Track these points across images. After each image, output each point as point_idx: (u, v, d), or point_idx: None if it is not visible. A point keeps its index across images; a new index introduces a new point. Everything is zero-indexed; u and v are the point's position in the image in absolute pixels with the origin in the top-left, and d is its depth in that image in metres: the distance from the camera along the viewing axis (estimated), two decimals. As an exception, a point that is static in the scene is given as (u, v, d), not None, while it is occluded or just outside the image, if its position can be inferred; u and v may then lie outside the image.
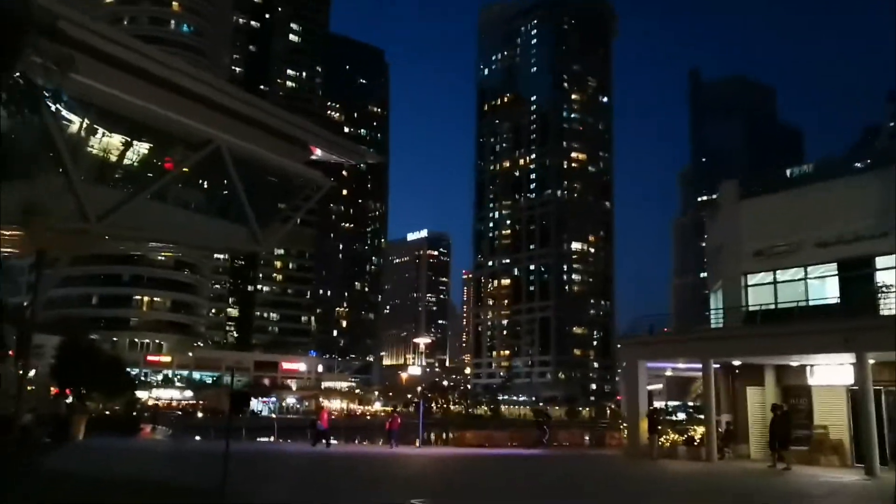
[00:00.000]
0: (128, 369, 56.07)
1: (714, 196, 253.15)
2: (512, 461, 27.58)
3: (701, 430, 25.96)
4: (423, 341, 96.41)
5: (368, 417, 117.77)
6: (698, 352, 25.81)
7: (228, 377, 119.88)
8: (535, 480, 20.43)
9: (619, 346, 40.85)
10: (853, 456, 24.16)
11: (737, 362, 26.30)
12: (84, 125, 37.33)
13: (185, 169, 41.87)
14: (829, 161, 33.03)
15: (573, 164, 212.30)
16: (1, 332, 31.09)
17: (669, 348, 27.58)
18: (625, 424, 29.08)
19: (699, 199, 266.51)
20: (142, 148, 39.45)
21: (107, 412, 36.33)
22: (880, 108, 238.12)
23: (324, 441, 33.71)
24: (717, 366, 26.51)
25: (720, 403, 27.67)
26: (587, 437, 39.49)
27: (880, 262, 24.00)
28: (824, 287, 25.98)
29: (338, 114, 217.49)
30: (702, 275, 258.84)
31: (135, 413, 42.23)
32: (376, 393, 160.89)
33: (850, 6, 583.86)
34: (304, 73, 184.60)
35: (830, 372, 24.97)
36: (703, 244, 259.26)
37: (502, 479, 20.98)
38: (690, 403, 36.00)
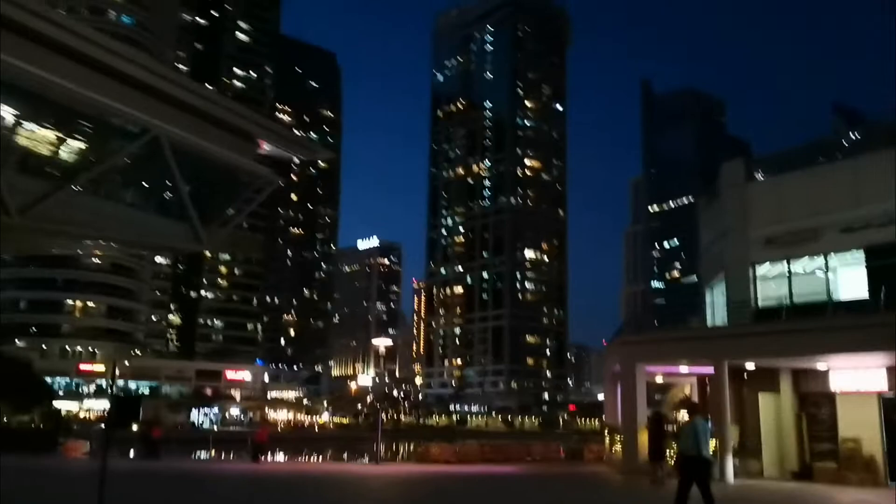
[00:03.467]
0: (46, 378, 50.72)
1: (665, 205, 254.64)
2: (498, 482, 23.75)
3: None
4: (382, 343, 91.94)
5: (316, 430, 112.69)
6: (710, 352, 22.36)
7: (168, 387, 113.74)
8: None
9: (605, 347, 37.34)
10: (887, 473, 21.02)
11: (750, 365, 22.95)
12: (5, 109, 33.07)
13: (119, 160, 37.85)
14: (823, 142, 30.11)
15: (527, 172, 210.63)
16: None
17: (673, 348, 24.06)
18: (618, 437, 25.43)
19: (649, 208, 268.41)
20: (73, 139, 35.27)
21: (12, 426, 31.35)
22: (826, 120, 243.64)
23: (260, 456, 30.34)
24: (712, 370, 23.17)
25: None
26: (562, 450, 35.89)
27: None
28: (848, 277, 22.89)
29: (288, 117, 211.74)
30: (654, 283, 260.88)
31: (53, 427, 36.96)
32: (325, 403, 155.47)
33: (799, 20, 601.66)
34: (253, 74, 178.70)
35: (858, 377, 21.86)
36: (655, 252, 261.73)
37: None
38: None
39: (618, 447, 25.60)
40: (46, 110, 35.02)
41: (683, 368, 24.77)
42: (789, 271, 24.03)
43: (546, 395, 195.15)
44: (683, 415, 29.90)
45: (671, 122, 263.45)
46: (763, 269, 24.97)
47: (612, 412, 27.55)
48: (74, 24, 35.83)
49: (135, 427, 32.94)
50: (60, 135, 35.57)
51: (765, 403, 23.72)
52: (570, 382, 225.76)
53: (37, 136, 34.93)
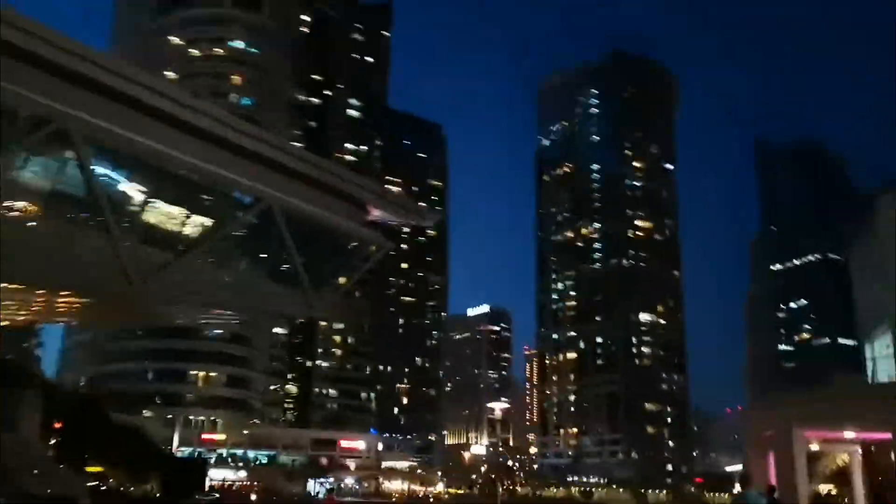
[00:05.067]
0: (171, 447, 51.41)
1: (789, 264, 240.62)
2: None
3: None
4: (497, 406, 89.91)
5: (431, 500, 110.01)
6: (892, 413, 19.13)
7: (285, 456, 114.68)
8: None
9: (749, 410, 33.92)
10: None
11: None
12: (128, 183, 34.45)
13: (234, 230, 38.57)
14: None
15: (638, 233, 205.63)
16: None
17: (840, 410, 20.95)
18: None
19: (771, 267, 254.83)
20: (192, 212, 36.32)
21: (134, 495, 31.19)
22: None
23: None
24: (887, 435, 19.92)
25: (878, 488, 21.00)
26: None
27: None
28: None
29: (397, 187, 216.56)
30: (780, 346, 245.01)
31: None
32: (439, 473, 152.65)
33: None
34: (363, 147, 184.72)
35: None
36: (780, 314, 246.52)
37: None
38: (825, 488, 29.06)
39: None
40: (168, 185, 36.45)
41: (849, 434, 21.44)
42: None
43: (670, 466, 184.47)
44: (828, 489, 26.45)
45: (789, 177, 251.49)
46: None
47: (768, 485, 24.36)
48: (188, 98, 37.27)
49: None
50: (180, 209, 36.83)
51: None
52: (693, 453, 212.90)
53: (159, 210, 36.25)
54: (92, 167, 30.19)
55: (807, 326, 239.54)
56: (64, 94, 27.79)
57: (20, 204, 29.85)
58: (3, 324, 51.68)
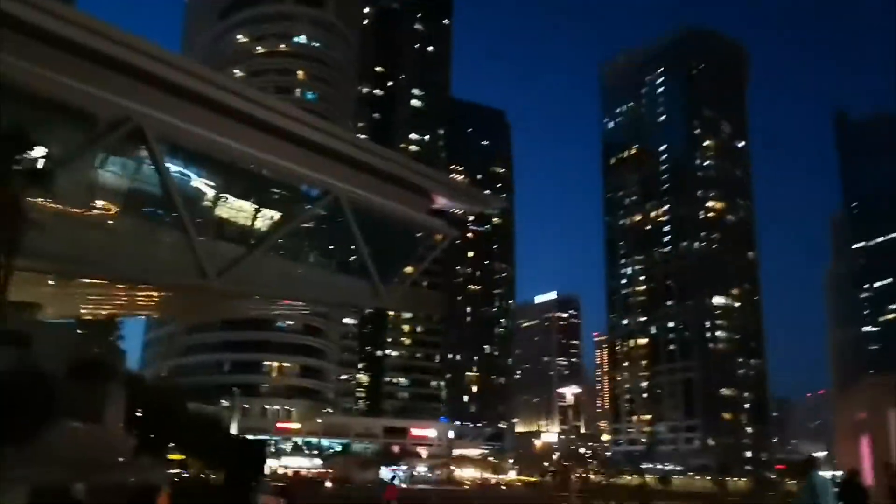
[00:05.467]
0: (248, 436, 52.54)
1: (872, 242, 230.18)
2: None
3: None
4: (569, 391, 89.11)
5: (504, 488, 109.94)
6: None
7: (357, 444, 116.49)
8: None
9: (841, 392, 32.50)
10: None
11: None
12: (200, 180, 35.28)
13: (304, 222, 39.04)
14: None
15: (710, 214, 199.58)
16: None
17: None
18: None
19: (854, 246, 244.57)
20: (261, 207, 36.95)
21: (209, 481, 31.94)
22: None
23: None
24: None
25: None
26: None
27: None
28: None
29: (462, 176, 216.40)
30: (865, 328, 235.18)
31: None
32: (510, 461, 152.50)
33: None
34: (427, 137, 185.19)
35: None
36: (864, 293, 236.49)
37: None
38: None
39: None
40: (238, 181, 37.09)
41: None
42: None
43: (748, 453, 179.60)
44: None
45: (872, 152, 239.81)
46: None
47: (849, 468, 23.27)
48: (246, 89, 37.76)
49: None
50: (251, 203, 37.49)
51: None
52: (773, 439, 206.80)
53: (230, 206, 36.98)
54: (166, 165, 31.13)
55: (891, 307, 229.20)
56: (139, 94, 28.64)
57: (100, 203, 30.99)
58: (87, 318, 53.90)
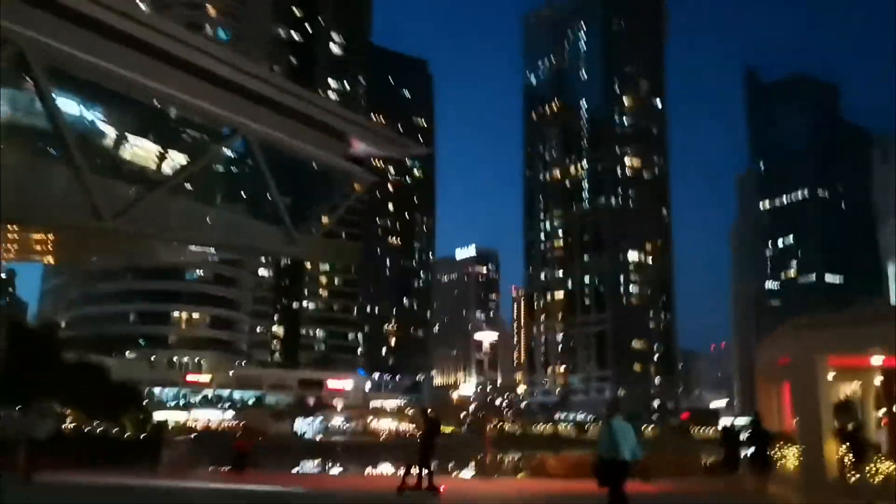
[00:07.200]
0: (156, 388, 49.74)
1: (777, 201, 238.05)
2: None
3: None
4: (486, 337, 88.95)
5: (419, 439, 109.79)
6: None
7: (271, 396, 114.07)
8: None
9: (766, 338, 32.19)
10: None
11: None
12: (97, 115, 31.86)
13: (209, 162, 36.11)
14: None
15: (627, 171, 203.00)
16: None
17: (869, 333, 18.86)
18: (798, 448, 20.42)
19: (760, 204, 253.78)
20: (165, 147, 33.89)
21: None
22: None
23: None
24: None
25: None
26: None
27: None
28: None
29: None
30: (767, 284, 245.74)
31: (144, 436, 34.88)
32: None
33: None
34: (346, 84, 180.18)
35: None
36: (767, 251, 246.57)
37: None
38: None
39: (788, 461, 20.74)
40: (138, 116, 33.79)
41: (876, 359, 19.61)
42: None
43: (656, 403, 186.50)
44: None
45: (780, 112, 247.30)
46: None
47: (768, 417, 22.71)
48: (159, 22, 34.18)
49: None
50: (154, 143, 34.33)
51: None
52: (679, 389, 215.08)
53: (131, 143, 33.69)
54: (55, 98, 27.69)
55: (794, 264, 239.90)
56: (21, 15, 25.00)
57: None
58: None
